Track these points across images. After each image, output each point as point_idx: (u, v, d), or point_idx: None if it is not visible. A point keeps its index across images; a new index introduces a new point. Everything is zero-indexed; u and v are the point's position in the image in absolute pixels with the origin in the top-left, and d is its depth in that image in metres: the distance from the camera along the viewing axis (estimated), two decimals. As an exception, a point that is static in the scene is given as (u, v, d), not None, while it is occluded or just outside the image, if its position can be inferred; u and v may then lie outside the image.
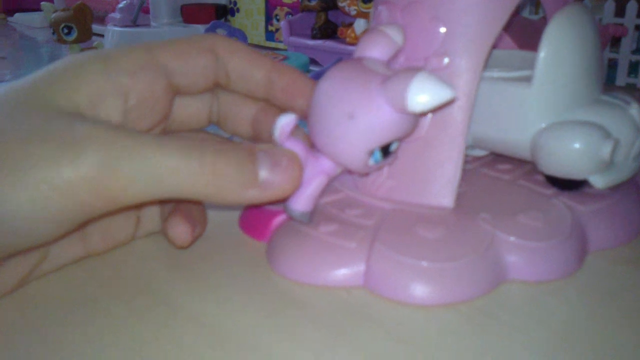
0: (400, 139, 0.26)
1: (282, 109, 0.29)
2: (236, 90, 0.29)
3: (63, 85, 0.23)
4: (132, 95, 0.25)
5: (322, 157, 0.26)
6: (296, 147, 0.25)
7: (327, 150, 0.26)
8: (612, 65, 0.62)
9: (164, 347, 0.22)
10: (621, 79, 0.61)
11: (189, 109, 0.30)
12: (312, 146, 0.26)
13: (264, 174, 0.24)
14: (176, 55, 0.27)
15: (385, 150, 0.26)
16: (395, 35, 0.27)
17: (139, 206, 0.28)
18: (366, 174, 0.29)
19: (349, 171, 0.28)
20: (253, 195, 0.24)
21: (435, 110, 0.26)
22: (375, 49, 0.27)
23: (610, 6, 0.59)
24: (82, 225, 0.24)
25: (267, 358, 0.21)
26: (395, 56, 0.28)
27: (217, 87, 0.29)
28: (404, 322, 0.23)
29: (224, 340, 0.22)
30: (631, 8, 0.59)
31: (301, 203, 0.26)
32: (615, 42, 0.61)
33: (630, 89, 0.61)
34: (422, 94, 0.23)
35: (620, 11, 0.61)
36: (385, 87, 0.24)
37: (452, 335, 0.22)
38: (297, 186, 0.25)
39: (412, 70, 0.24)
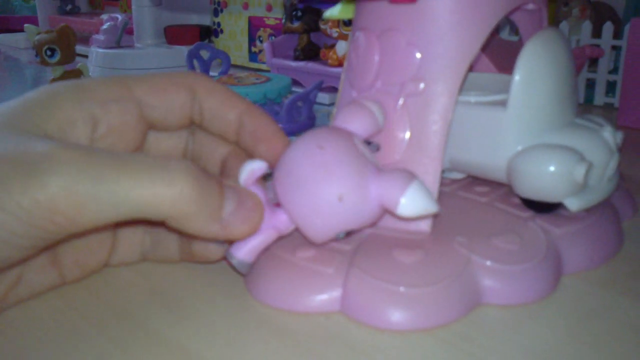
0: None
1: (248, 153, 0.29)
2: (209, 129, 0.29)
3: (34, 114, 0.23)
4: (102, 124, 0.25)
5: (278, 213, 0.26)
6: (257, 194, 0.25)
7: (296, 216, 0.25)
8: (590, 85, 0.63)
9: (139, 376, 0.22)
10: (599, 98, 0.62)
11: (164, 144, 0.30)
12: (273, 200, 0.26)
13: (228, 210, 0.24)
14: (152, 90, 0.27)
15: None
16: (378, 115, 0.27)
17: (105, 228, 0.28)
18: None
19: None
20: (214, 230, 0.23)
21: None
22: (358, 124, 0.27)
23: (587, 27, 0.60)
24: (46, 248, 0.24)
25: (244, 386, 0.21)
26: (371, 84, 0.29)
27: (193, 125, 0.29)
28: (383, 348, 0.23)
29: (200, 369, 0.22)
30: (607, 29, 0.60)
31: (244, 252, 0.25)
32: (593, 62, 0.62)
33: (607, 108, 0.62)
34: (413, 205, 0.24)
35: (597, 32, 0.62)
36: (381, 185, 0.25)
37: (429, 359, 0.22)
38: (255, 231, 0.25)
39: (407, 175, 0.24)
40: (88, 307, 0.26)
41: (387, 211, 0.26)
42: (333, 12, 0.36)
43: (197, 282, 0.28)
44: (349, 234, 0.26)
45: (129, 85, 0.27)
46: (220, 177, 0.25)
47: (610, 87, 0.63)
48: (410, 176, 0.24)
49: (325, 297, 0.25)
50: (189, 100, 0.28)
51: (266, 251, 0.28)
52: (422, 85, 0.28)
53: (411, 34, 0.28)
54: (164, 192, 0.22)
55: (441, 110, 0.28)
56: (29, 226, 0.20)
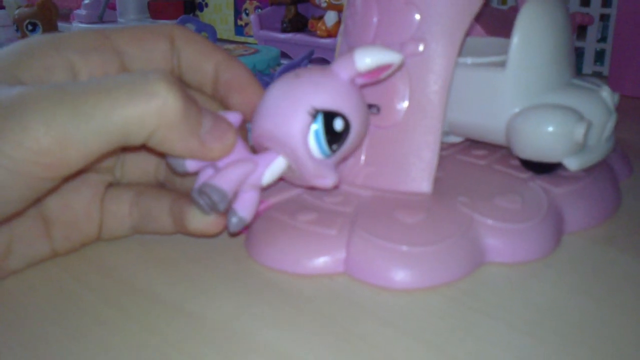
0: (343, 116, 0.24)
1: (224, 105, 0.28)
2: (187, 81, 0.28)
3: (9, 63, 0.23)
4: (83, 74, 0.25)
5: (259, 157, 0.25)
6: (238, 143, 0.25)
7: (267, 122, 0.24)
8: (579, 53, 0.63)
9: (147, 338, 0.22)
10: (587, 67, 0.62)
11: None
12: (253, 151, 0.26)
13: (205, 128, 0.23)
14: (131, 39, 0.26)
15: (331, 131, 0.24)
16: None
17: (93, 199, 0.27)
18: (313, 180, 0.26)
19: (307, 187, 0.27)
20: (193, 146, 0.23)
21: (385, 78, 0.26)
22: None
23: (576, -5, 0.60)
24: (38, 199, 0.23)
25: (255, 346, 0.21)
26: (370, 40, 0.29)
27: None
28: (388, 306, 0.23)
29: (209, 331, 0.22)
30: (596, -3, 0.60)
31: (218, 178, 0.24)
32: (581, 31, 0.62)
33: (596, 76, 0.62)
34: (368, 53, 0.24)
35: (585, 0, 0.62)
36: (335, 61, 0.25)
37: (435, 316, 0.23)
38: (229, 152, 0.24)
39: None
40: (86, 274, 0.26)
41: (359, 80, 0.25)
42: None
43: (196, 247, 0.28)
44: (332, 137, 0.24)
45: (108, 35, 0.26)
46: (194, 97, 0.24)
47: (599, 56, 0.63)
48: None
49: (329, 259, 0.25)
50: (168, 49, 0.27)
51: (266, 216, 0.27)
52: (421, 46, 0.28)
53: (410, -6, 0.28)
54: (148, 105, 0.21)
55: (441, 70, 0.28)
56: (16, 174, 0.20)
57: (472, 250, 0.25)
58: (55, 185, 0.22)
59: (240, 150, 0.25)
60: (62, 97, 0.20)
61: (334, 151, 0.25)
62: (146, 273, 0.26)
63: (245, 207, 0.25)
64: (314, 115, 0.24)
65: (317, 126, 0.24)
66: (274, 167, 0.25)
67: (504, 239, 0.26)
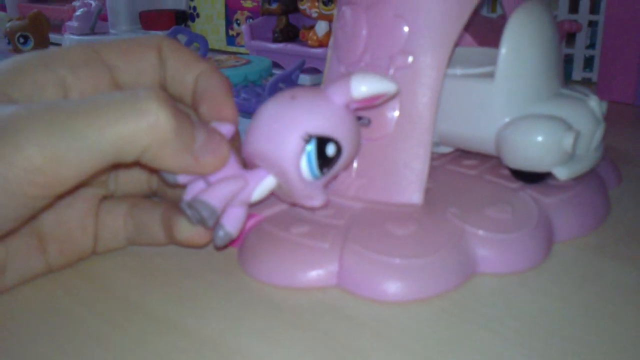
0: (336, 141, 0.25)
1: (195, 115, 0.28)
2: (170, 92, 0.28)
3: (1, 82, 0.23)
4: (73, 89, 0.25)
5: (250, 171, 0.25)
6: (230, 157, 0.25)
7: (259, 143, 0.25)
8: (568, 60, 0.63)
9: (140, 354, 0.22)
10: (577, 73, 0.62)
11: None
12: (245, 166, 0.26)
13: (199, 142, 0.23)
14: (120, 53, 0.27)
15: (322, 156, 0.24)
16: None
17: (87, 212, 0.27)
18: (302, 200, 0.26)
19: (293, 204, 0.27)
20: (187, 161, 0.23)
21: (379, 104, 0.27)
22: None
23: (564, 3, 0.61)
24: (33, 216, 0.23)
25: (245, 361, 0.21)
26: (359, 58, 0.29)
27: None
28: (381, 319, 0.23)
29: (202, 346, 0.22)
30: (584, 4, 0.60)
31: (207, 194, 0.24)
32: (570, 38, 0.63)
33: (585, 83, 0.62)
34: (365, 82, 0.24)
35: (574, 7, 0.62)
36: (331, 84, 0.25)
37: (427, 328, 0.23)
38: (222, 166, 0.24)
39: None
40: (80, 289, 0.26)
41: (353, 105, 0.25)
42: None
43: (189, 261, 0.28)
44: (323, 161, 0.25)
45: (98, 49, 0.26)
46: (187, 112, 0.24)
47: (588, 63, 0.63)
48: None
49: (321, 272, 0.25)
50: (156, 61, 0.27)
51: (259, 229, 0.28)
52: (410, 59, 0.28)
53: (398, 6, 0.28)
54: (139, 123, 0.21)
55: (430, 82, 0.28)
56: (10, 194, 0.20)
57: (463, 261, 0.25)
58: (50, 202, 0.22)
59: (232, 164, 0.25)
60: (55, 116, 0.20)
61: (324, 174, 0.25)
62: (140, 288, 0.26)
63: (232, 222, 0.25)
64: (308, 141, 0.24)
65: (310, 150, 0.24)
66: (263, 186, 0.25)
67: (494, 250, 0.26)
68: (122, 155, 0.22)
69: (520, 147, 0.28)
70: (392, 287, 0.24)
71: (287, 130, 0.24)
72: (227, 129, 0.26)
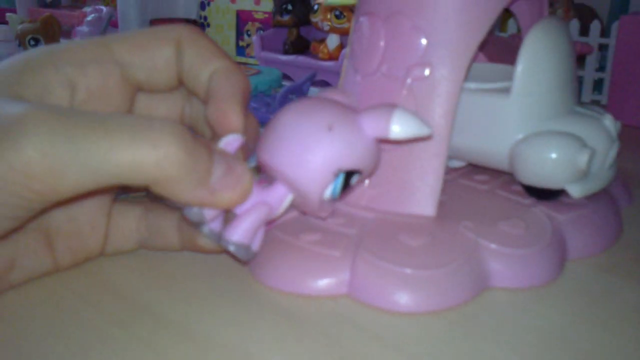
0: (361, 172, 0.25)
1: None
2: (186, 86, 0.26)
3: (10, 79, 0.22)
4: (80, 88, 0.24)
5: (267, 188, 0.25)
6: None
7: (287, 167, 0.24)
8: (577, 82, 0.63)
9: (149, 357, 0.21)
10: (586, 95, 0.63)
11: (157, 109, 0.28)
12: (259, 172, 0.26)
13: (217, 175, 0.22)
14: (133, 47, 0.25)
15: (347, 182, 0.25)
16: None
17: (97, 212, 0.27)
18: (313, 214, 0.26)
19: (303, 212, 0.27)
20: (201, 196, 0.22)
21: (406, 142, 0.27)
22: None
23: (574, 26, 0.61)
24: (31, 218, 0.22)
25: (255, 366, 0.21)
26: (376, 69, 0.29)
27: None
28: (392, 330, 0.23)
29: (209, 351, 0.22)
30: (595, 27, 0.60)
31: (239, 233, 0.23)
32: (580, 60, 0.63)
33: (594, 105, 0.62)
34: (404, 125, 0.24)
35: (584, 31, 0.63)
36: (368, 113, 0.25)
37: (439, 340, 0.22)
38: (245, 200, 0.23)
39: (390, 104, 0.25)
40: (88, 290, 0.26)
41: (382, 141, 0.25)
42: (336, -2, 0.35)
43: (199, 265, 0.28)
44: (345, 186, 0.25)
45: (109, 45, 0.25)
46: (209, 141, 0.23)
47: (597, 85, 0.63)
48: (393, 104, 0.25)
49: (332, 280, 0.25)
50: (173, 55, 0.26)
51: (270, 236, 0.27)
52: (427, 71, 0.28)
53: (417, 18, 0.28)
54: (148, 155, 0.20)
55: (447, 95, 0.28)
56: (6, 193, 0.19)
57: (476, 274, 0.25)
58: (50, 206, 0.21)
59: (254, 190, 0.24)
60: (63, 127, 0.20)
61: (341, 196, 0.25)
62: (149, 291, 0.26)
63: (256, 241, 0.25)
64: (337, 174, 0.24)
65: (337, 181, 0.24)
66: (284, 205, 0.25)
67: (507, 264, 0.26)
68: (126, 181, 0.21)
69: (535, 163, 0.28)
70: (404, 298, 0.24)
71: (321, 166, 0.24)
72: (234, 140, 0.24)
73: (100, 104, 0.25)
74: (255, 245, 0.25)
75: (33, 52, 0.24)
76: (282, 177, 0.24)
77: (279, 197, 0.25)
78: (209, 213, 0.23)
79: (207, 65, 0.26)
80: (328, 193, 0.25)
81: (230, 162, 0.23)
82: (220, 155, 0.23)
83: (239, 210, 0.24)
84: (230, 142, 0.24)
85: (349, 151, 0.24)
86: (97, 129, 0.20)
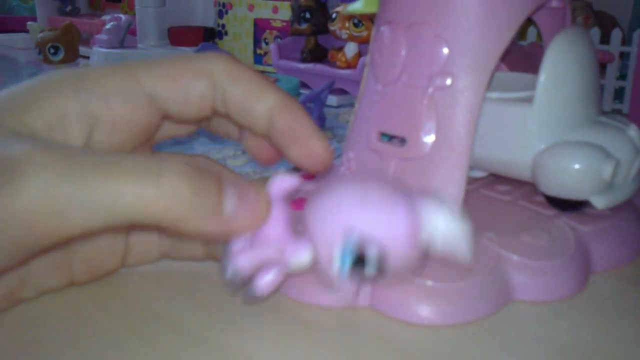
0: (385, 251, 0.21)
1: (281, 153, 0.26)
2: (237, 122, 0.25)
3: (21, 106, 0.21)
4: (104, 121, 0.23)
5: (294, 237, 0.23)
6: (280, 214, 0.23)
7: (317, 236, 0.22)
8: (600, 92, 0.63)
9: (168, 367, 0.21)
10: (607, 104, 0.62)
11: (182, 132, 0.27)
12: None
13: (230, 206, 0.21)
14: (163, 79, 0.24)
15: (360, 260, 0.21)
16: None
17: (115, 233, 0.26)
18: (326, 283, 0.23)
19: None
20: (216, 227, 0.21)
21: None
22: None
23: (595, 33, 0.61)
24: (35, 256, 0.22)
25: (275, 379, 0.21)
26: (397, 78, 0.29)
27: (217, 115, 0.26)
28: (413, 342, 0.23)
29: (229, 361, 0.22)
30: (616, 36, 0.60)
31: (263, 284, 0.23)
32: (601, 68, 0.62)
33: (616, 114, 0.62)
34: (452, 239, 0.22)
35: (605, 39, 0.62)
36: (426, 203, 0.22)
37: (461, 354, 0.22)
38: (262, 224, 0.22)
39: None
40: (106, 299, 0.26)
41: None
42: (356, 7, 0.35)
43: (217, 274, 0.27)
44: (357, 262, 0.21)
45: (138, 74, 0.24)
46: (218, 174, 0.22)
47: (618, 94, 0.63)
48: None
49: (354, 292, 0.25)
50: (208, 89, 0.24)
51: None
52: (449, 80, 0.28)
53: (439, 27, 0.28)
54: (154, 195, 0.20)
55: (469, 104, 0.27)
56: (6, 236, 0.19)
57: (499, 287, 0.25)
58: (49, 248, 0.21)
59: (278, 222, 0.23)
60: (67, 170, 0.19)
61: (355, 267, 0.21)
62: (169, 301, 0.26)
63: (262, 282, 0.23)
64: (347, 237, 0.21)
65: (345, 251, 0.21)
66: (297, 257, 0.23)
67: (531, 276, 0.25)
68: (133, 221, 0.20)
69: (558, 173, 0.28)
70: (425, 311, 0.24)
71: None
72: (290, 182, 0.23)
73: (125, 136, 0.24)
74: (261, 287, 0.23)
75: (55, 76, 0.23)
76: (314, 240, 0.22)
77: (296, 249, 0.23)
78: (244, 264, 0.22)
79: (261, 100, 0.24)
80: (336, 264, 0.21)
81: (242, 190, 0.22)
82: (232, 184, 0.22)
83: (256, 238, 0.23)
84: (286, 185, 0.23)
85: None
86: (104, 170, 0.19)
